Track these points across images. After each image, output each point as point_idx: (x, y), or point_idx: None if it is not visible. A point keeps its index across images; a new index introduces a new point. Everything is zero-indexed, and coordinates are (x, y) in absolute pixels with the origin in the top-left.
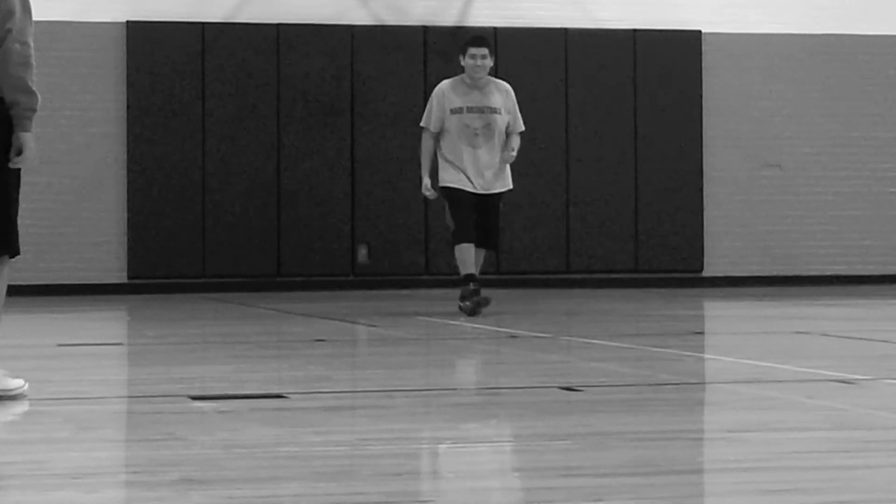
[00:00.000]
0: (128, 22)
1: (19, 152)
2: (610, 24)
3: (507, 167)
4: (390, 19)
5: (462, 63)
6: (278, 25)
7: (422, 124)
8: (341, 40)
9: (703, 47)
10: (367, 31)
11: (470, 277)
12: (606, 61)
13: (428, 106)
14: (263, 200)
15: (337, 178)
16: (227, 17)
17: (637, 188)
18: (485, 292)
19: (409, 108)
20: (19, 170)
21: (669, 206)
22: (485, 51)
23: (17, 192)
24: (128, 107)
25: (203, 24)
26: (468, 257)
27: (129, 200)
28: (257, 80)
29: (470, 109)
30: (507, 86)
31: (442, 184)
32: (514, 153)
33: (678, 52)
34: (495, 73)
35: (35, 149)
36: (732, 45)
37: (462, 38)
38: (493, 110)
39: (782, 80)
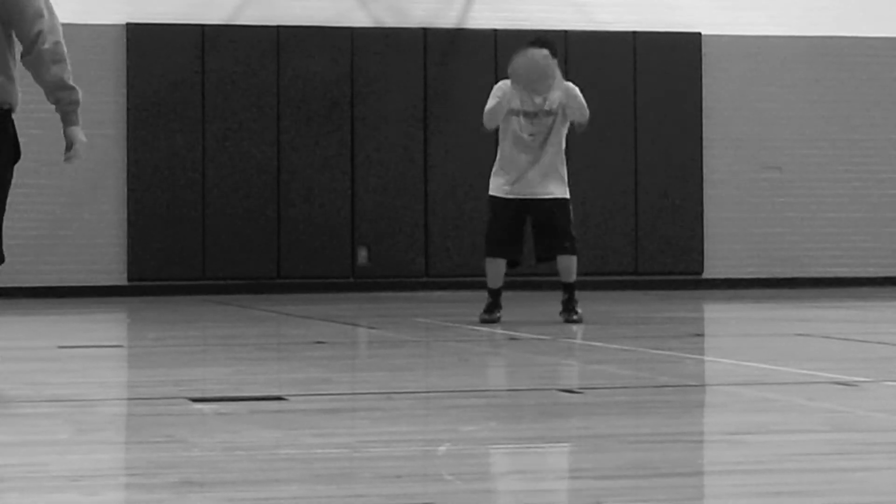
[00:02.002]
0: (128, 24)
1: (70, 146)
2: (610, 26)
3: (564, 172)
4: (390, 21)
5: None
6: (278, 27)
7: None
8: (341, 42)
9: (703, 49)
10: (366, 33)
11: (490, 292)
12: (606, 63)
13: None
14: (263, 202)
15: (337, 180)
16: (227, 18)
17: (637, 190)
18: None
19: (409, 110)
20: (10, 178)
21: (669, 208)
22: (546, 53)
23: (6, 200)
24: (128, 109)
25: (203, 25)
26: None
27: (129, 202)
28: (257, 81)
29: (526, 114)
30: (569, 84)
31: (490, 192)
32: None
33: (678, 54)
34: (495, 74)
35: (85, 140)
36: (732, 47)
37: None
38: (549, 113)
39: (782, 82)
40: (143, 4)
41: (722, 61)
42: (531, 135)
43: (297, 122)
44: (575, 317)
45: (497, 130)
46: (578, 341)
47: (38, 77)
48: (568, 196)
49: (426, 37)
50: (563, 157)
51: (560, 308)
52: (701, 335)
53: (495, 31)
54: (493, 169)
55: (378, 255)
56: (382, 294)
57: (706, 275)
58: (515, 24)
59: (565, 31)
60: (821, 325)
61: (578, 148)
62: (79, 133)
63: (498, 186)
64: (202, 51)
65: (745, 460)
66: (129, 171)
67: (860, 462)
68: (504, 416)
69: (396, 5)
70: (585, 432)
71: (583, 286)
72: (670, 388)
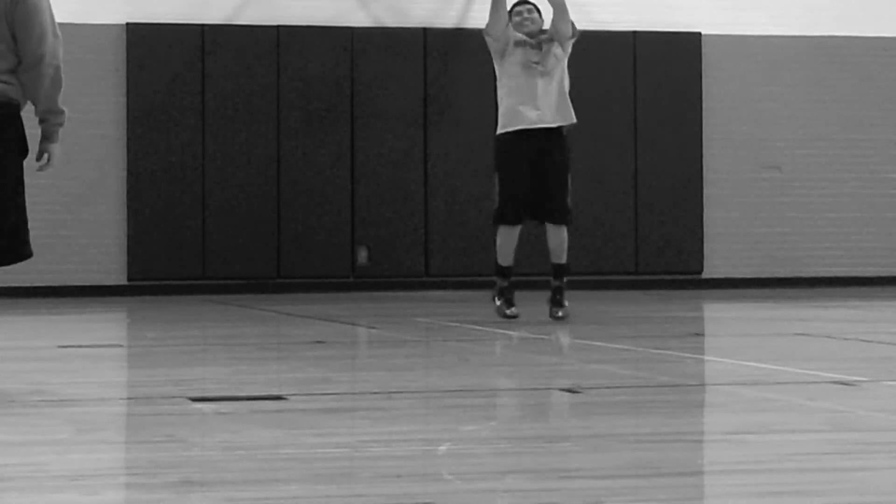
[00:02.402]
0: (128, 24)
1: (45, 159)
2: (610, 25)
3: (569, 102)
4: (390, 21)
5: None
6: (278, 27)
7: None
8: (341, 42)
9: (703, 49)
10: (366, 33)
11: (502, 271)
12: (606, 63)
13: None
14: (263, 202)
15: (337, 180)
16: (227, 18)
17: (637, 190)
18: (485, 293)
19: (408, 110)
20: (22, 173)
21: (669, 207)
22: (530, 6)
23: (23, 194)
24: (128, 109)
25: (203, 25)
26: (506, 242)
27: (128, 202)
28: (257, 81)
29: (528, 43)
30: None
31: (500, 130)
32: None
33: (678, 53)
34: (494, 74)
35: (60, 156)
36: (732, 46)
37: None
38: (550, 41)
39: (782, 81)
40: (143, 4)
41: (722, 61)
42: (538, 62)
43: (297, 121)
44: (560, 313)
45: (498, 62)
46: (578, 341)
47: (32, 94)
48: (574, 121)
49: (426, 37)
50: (566, 85)
51: (549, 297)
52: (701, 335)
53: None
54: (502, 109)
55: (378, 255)
56: (382, 294)
57: (706, 274)
58: None
59: None
60: (821, 325)
61: (578, 147)
62: (57, 150)
63: (506, 123)
64: (202, 51)
65: (746, 460)
66: (128, 170)
67: (860, 462)
68: (504, 415)
69: (396, 5)
70: (585, 432)
71: (583, 286)
72: (670, 388)
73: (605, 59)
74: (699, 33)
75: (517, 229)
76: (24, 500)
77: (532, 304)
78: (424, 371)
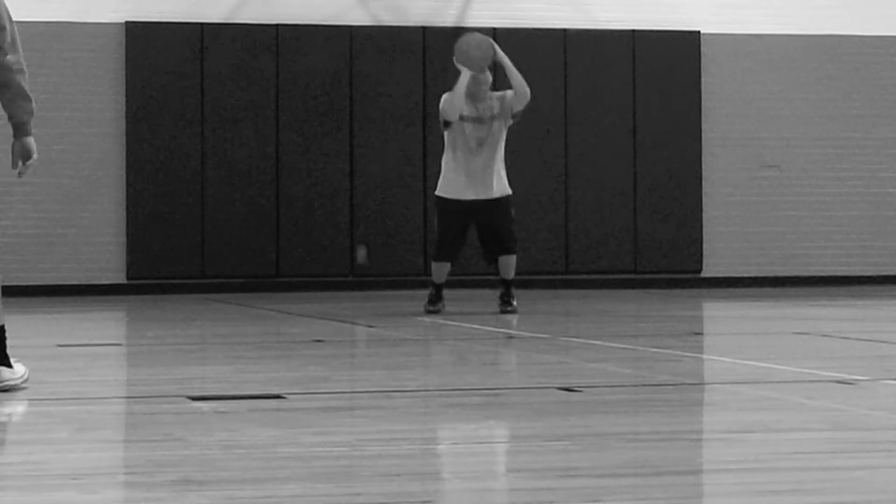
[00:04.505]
0: (127, 22)
1: (25, 157)
2: (609, 24)
3: (504, 173)
4: (389, 20)
5: None
6: (277, 26)
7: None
8: (340, 41)
9: (702, 48)
10: (366, 32)
11: (435, 286)
12: (605, 62)
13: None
14: (262, 201)
15: (336, 179)
16: (226, 17)
17: (636, 189)
18: (485, 293)
19: (408, 109)
20: None
21: (668, 206)
22: (485, 75)
23: None
24: (127, 107)
25: (202, 24)
26: (439, 270)
27: (128, 201)
28: (256, 80)
29: (473, 119)
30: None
31: (438, 192)
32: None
33: (677, 52)
34: (494, 75)
35: (37, 154)
36: (731, 45)
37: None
38: (493, 118)
39: (781, 80)
40: (142, 3)
41: (721, 60)
42: (478, 139)
43: (297, 120)
44: (509, 308)
45: (444, 136)
46: (577, 340)
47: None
48: (510, 193)
49: (425, 35)
50: (503, 158)
51: (499, 298)
52: (700, 334)
53: (494, 29)
54: (442, 174)
55: (377, 254)
56: (381, 293)
57: (705, 273)
58: (514, 22)
59: (564, 30)
60: (820, 324)
61: (578, 146)
62: (33, 144)
63: (448, 190)
64: (201, 49)
65: (744, 459)
66: (127, 169)
67: (859, 460)
68: (503, 414)
69: (395, 4)
70: (584, 431)
71: (582, 285)
72: (669, 387)
73: (605, 58)
74: (698, 32)
75: (450, 263)
76: (24, 498)
77: (531, 303)
78: (423, 370)
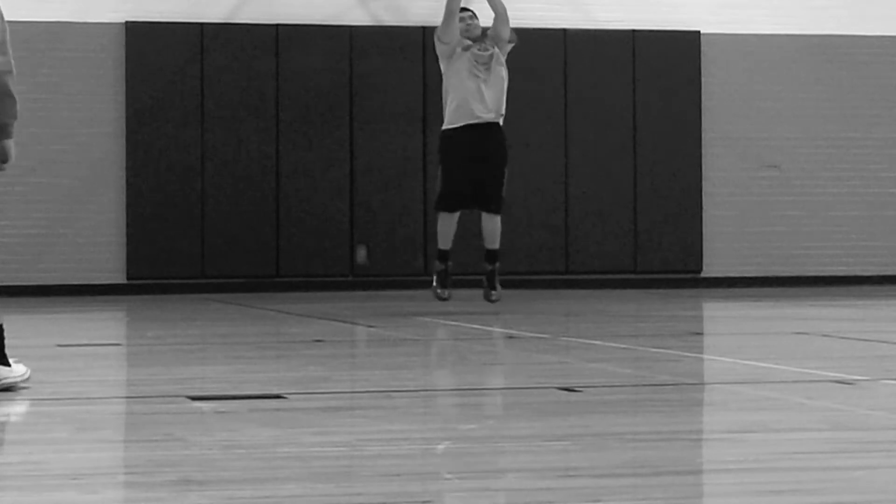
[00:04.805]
0: (127, 22)
1: (2, 160)
2: (609, 24)
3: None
4: (389, 20)
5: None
6: (277, 26)
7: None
8: (340, 41)
9: (703, 48)
10: (366, 32)
11: (442, 255)
12: (605, 62)
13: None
14: (262, 201)
15: (336, 179)
16: (226, 17)
17: (636, 189)
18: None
19: (408, 109)
20: None
21: (668, 206)
22: (470, 13)
23: None
24: (126, 107)
25: (202, 24)
26: (446, 227)
27: (127, 201)
28: (256, 80)
29: (473, 45)
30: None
31: (445, 126)
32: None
33: (677, 52)
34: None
35: (13, 157)
36: (731, 45)
37: None
38: (492, 45)
39: (781, 80)
40: (142, 3)
41: (721, 60)
42: (484, 62)
43: (296, 120)
44: (494, 295)
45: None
46: (577, 340)
47: None
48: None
49: (425, 35)
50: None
51: (484, 281)
52: (700, 333)
53: None
54: (448, 109)
55: (377, 254)
56: (381, 292)
57: (705, 273)
58: (514, 22)
59: (564, 30)
60: (820, 324)
61: (577, 146)
62: (12, 146)
63: (456, 119)
64: (201, 49)
65: (744, 459)
66: (127, 169)
67: (859, 460)
68: (503, 414)
69: (395, 4)
70: (584, 430)
71: (582, 285)
72: (669, 387)
73: (605, 57)
74: (698, 32)
75: (456, 216)
76: (24, 498)
77: (531, 303)
78: (423, 370)
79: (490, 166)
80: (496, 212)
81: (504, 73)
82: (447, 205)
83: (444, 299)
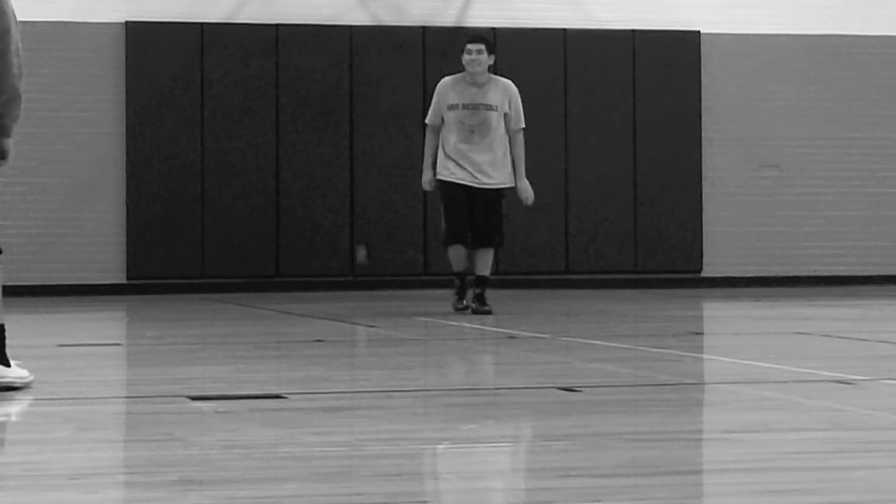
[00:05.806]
0: (127, 22)
1: (2, 156)
2: (609, 24)
3: (508, 163)
4: (389, 20)
5: (462, 61)
6: (277, 26)
7: (426, 121)
8: (340, 41)
9: (702, 48)
10: (366, 32)
11: (457, 275)
12: (605, 62)
13: (432, 101)
14: (262, 201)
15: (336, 179)
16: (226, 17)
17: (636, 189)
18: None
19: (408, 109)
20: None
21: (668, 206)
22: (481, 46)
23: None
24: (126, 107)
25: (202, 24)
26: (455, 256)
27: (127, 201)
28: (256, 80)
29: (465, 106)
30: (509, 83)
31: (438, 177)
32: (529, 195)
33: (677, 52)
34: (495, 72)
35: (11, 156)
36: (731, 45)
37: (462, 37)
38: (489, 107)
39: (781, 80)
40: (143, 3)
41: (721, 60)
42: (471, 125)
43: (296, 120)
44: (485, 307)
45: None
46: (577, 340)
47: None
48: (510, 185)
49: (425, 35)
50: (507, 150)
51: (473, 297)
52: (700, 333)
53: (494, 29)
54: (440, 158)
55: (377, 254)
56: (381, 292)
57: (705, 273)
58: (514, 22)
59: (564, 30)
60: (819, 324)
61: (577, 146)
62: (11, 145)
63: (449, 172)
64: (201, 49)
65: (744, 458)
66: (127, 169)
67: (859, 460)
68: (503, 414)
69: (395, 4)
70: (584, 430)
71: (582, 284)
72: (669, 387)
73: (605, 57)
74: (698, 32)
75: (462, 245)
76: (24, 498)
77: (531, 303)
78: (423, 370)
79: (486, 205)
80: (498, 245)
81: (501, 125)
82: (454, 240)
83: (462, 309)
